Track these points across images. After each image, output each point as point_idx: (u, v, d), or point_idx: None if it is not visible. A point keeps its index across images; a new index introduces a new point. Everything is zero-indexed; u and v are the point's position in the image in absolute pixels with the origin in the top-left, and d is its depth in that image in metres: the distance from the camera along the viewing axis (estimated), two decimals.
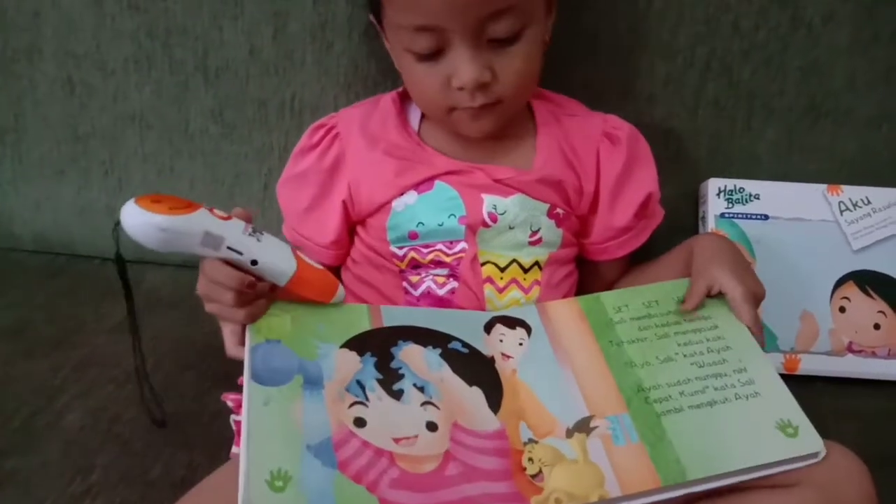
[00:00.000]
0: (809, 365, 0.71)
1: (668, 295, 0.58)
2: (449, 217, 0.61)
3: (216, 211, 0.50)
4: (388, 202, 0.63)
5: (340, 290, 0.55)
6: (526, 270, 0.62)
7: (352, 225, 0.66)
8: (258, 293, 0.51)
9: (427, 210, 0.62)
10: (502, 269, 0.61)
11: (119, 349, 0.69)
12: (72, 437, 0.60)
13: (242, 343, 0.51)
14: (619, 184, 0.64)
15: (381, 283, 0.63)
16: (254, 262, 0.50)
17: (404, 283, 0.62)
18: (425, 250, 0.62)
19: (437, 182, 0.62)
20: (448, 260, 0.61)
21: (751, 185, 0.75)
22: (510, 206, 0.61)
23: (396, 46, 0.59)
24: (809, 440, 0.48)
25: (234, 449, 0.56)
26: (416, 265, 0.62)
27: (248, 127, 0.78)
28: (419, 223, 0.62)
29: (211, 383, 0.65)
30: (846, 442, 0.50)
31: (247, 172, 0.80)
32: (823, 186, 0.74)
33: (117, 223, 0.49)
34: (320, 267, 0.54)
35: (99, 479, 0.57)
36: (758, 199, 0.74)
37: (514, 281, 0.61)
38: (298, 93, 0.77)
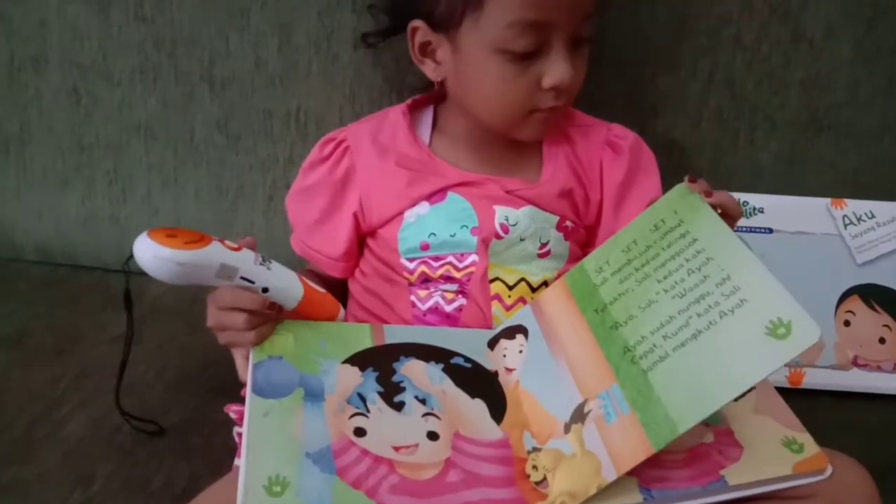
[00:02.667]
0: (814, 379, 0.71)
1: (643, 228, 0.55)
2: (461, 228, 0.61)
3: (227, 242, 0.52)
4: (401, 213, 0.63)
5: (342, 312, 0.57)
6: (534, 289, 0.62)
7: (362, 237, 0.66)
8: (272, 317, 0.53)
9: (439, 221, 0.62)
10: (511, 287, 0.61)
11: (119, 359, 0.69)
12: (72, 447, 0.60)
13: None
14: (621, 192, 0.64)
15: (389, 296, 0.63)
16: (265, 290, 0.52)
17: (412, 297, 0.62)
18: (436, 263, 0.62)
19: (450, 193, 0.62)
20: (458, 275, 0.61)
21: (755, 199, 0.75)
22: (521, 217, 0.61)
23: (481, 49, 0.58)
24: (804, 334, 0.44)
25: (236, 461, 0.56)
26: (425, 279, 0.62)
27: (253, 138, 0.79)
28: (431, 234, 0.62)
29: (213, 394, 0.65)
30: (851, 456, 0.50)
31: (251, 183, 0.80)
32: (827, 200, 0.75)
33: (130, 257, 0.50)
34: (323, 290, 0.56)
35: (100, 490, 0.56)
36: (762, 212, 0.74)
37: (521, 300, 0.61)
38: (304, 104, 0.77)
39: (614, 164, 0.65)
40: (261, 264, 0.52)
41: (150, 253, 0.50)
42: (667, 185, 0.72)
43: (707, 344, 0.46)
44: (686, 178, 0.55)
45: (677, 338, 0.48)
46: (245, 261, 0.52)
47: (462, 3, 0.57)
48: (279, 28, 0.75)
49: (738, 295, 0.47)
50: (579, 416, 0.48)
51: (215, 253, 0.50)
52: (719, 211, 0.53)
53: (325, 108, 0.77)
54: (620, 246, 0.56)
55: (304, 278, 0.55)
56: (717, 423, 0.50)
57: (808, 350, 0.44)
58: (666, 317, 0.49)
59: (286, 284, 0.54)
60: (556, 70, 0.57)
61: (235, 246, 0.52)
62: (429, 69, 0.62)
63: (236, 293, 0.52)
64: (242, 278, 0.51)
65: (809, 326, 0.44)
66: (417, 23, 0.60)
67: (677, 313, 0.49)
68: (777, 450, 0.48)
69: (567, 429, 0.48)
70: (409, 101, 0.67)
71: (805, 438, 0.49)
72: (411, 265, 0.62)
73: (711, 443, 0.49)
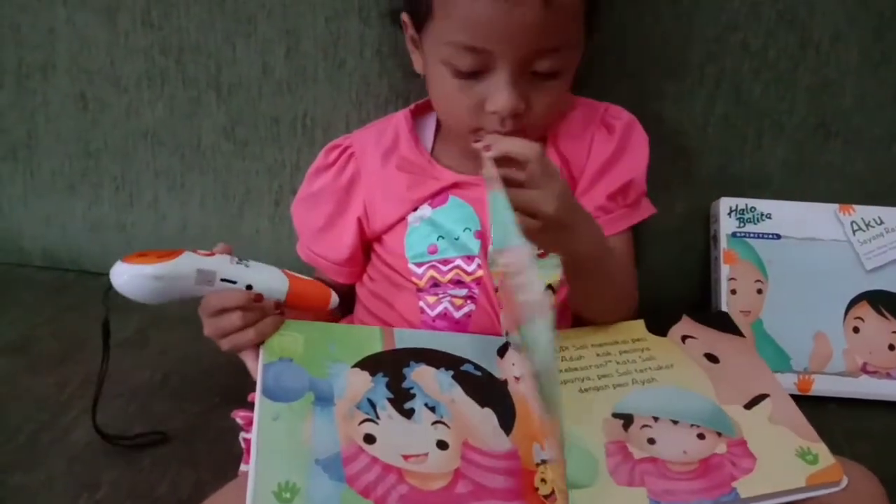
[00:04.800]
0: (823, 386, 0.70)
1: None
2: (465, 231, 0.61)
3: (200, 251, 0.53)
4: (403, 218, 0.63)
5: (334, 296, 0.57)
6: None
7: (366, 243, 0.66)
8: (264, 309, 0.53)
9: (443, 223, 0.62)
10: None
11: (125, 365, 0.69)
12: (77, 453, 0.60)
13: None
14: (603, 167, 0.64)
15: (397, 302, 0.63)
16: (249, 287, 0.53)
17: (421, 303, 0.62)
18: (444, 267, 0.62)
19: (450, 196, 0.62)
20: (467, 279, 0.61)
21: (762, 205, 0.74)
22: None
23: (433, 56, 0.59)
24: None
25: (242, 467, 0.56)
26: (435, 284, 0.62)
27: (259, 144, 0.79)
28: (439, 237, 0.62)
29: (218, 400, 0.65)
30: (860, 464, 0.50)
31: (258, 189, 0.80)
32: (835, 206, 0.74)
33: (109, 287, 0.51)
34: (310, 279, 0.57)
35: (105, 496, 0.56)
36: (769, 218, 0.74)
37: None
38: (310, 110, 0.77)
39: (604, 143, 0.64)
40: (238, 264, 0.53)
41: (126, 275, 0.51)
42: (673, 191, 0.72)
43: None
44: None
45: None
46: (221, 263, 0.53)
47: (424, 7, 0.58)
48: (286, 34, 0.75)
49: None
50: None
51: (189, 261, 0.51)
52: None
53: (331, 114, 0.77)
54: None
55: (288, 271, 0.55)
56: (730, 434, 0.50)
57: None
58: None
59: (269, 278, 0.54)
60: (496, 97, 0.56)
61: (209, 252, 0.53)
62: (416, 62, 0.63)
63: (221, 295, 0.52)
64: (223, 280, 0.52)
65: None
66: (405, 16, 0.61)
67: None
68: (791, 461, 0.48)
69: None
70: (412, 105, 0.67)
71: (820, 448, 0.48)
72: (419, 270, 0.62)
73: (724, 454, 0.49)
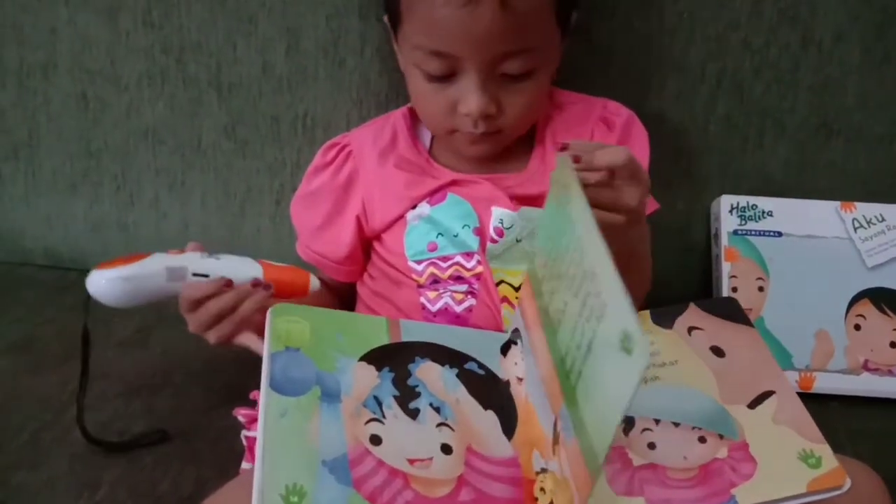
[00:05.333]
0: (824, 383, 0.70)
1: (551, 207, 0.50)
2: (463, 228, 0.61)
3: (171, 251, 0.55)
4: (402, 216, 0.63)
5: (314, 279, 0.58)
6: None
7: (365, 241, 0.66)
8: (239, 294, 0.54)
9: (442, 220, 0.62)
10: (517, 289, 0.61)
11: (127, 364, 0.69)
12: (79, 451, 0.60)
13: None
14: None
15: (398, 299, 0.63)
16: (228, 284, 0.54)
17: (421, 299, 0.62)
18: (444, 264, 0.62)
19: (449, 194, 0.63)
20: (467, 275, 0.61)
21: (763, 202, 0.74)
22: (517, 219, 0.61)
23: (406, 59, 0.60)
24: (641, 349, 0.35)
25: (244, 464, 0.56)
26: (435, 280, 0.62)
27: (260, 142, 0.79)
28: (438, 234, 0.62)
29: (220, 398, 0.64)
30: (862, 461, 0.50)
31: (258, 188, 0.80)
32: (837, 203, 0.74)
33: (88, 297, 0.55)
34: (286, 265, 0.58)
35: (106, 495, 0.56)
36: (771, 215, 0.74)
37: None
38: (311, 109, 0.77)
39: (604, 139, 0.64)
40: (209, 258, 0.55)
41: (101, 281, 0.54)
42: (673, 189, 0.72)
43: (596, 356, 0.40)
44: (559, 148, 0.50)
45: (581, 349, 0.42)
46: (191, 259, 0.55)
47: (395, 12, 0.59)
48: (286, 33, 0.75)
49: (601, 298, 0.40)
50: (556, 435, 0.46)
51: (158, 260, 0.54)
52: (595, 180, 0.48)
53: (332, 112, 0.77)
54: (544, 230, 0.51)
55: (263, 260, 0.57)
56: (732, 437, 0.49)
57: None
58: (572, 322, 0.43)
59: (240, 267, 0.56)
60: (467, 100, 0.56)
61: (179, 251, 0.55)
62: (400, 62, 0.63)
63: (190, 286, 0.54)
64: (195, 274, 0.54)
65: (643, 341, 0.35)
66: (385, 18, 0.62)
67: (577, 316, 0.43)
68: (793, 465, 0.47)
69: (553, 449, 0.46)
70: (410, 103, 0.67)
71: (823, 450, 0.47)
72: (419, 267, 0.62)
73: (724, 458, 0.48)
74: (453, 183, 0.63)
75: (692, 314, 0.59)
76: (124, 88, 0.79)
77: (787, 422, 0.50)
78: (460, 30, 0.53)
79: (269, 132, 0.78)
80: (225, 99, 0.78)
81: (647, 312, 0.59)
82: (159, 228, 0.83)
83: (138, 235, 0.83)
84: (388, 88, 0.75)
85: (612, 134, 0.64)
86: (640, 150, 0.65)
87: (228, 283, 0.54)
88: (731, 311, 0.60)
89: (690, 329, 0.58)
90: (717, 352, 0.56)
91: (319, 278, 0.68)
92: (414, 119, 0.67)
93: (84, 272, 0.84)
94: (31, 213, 0.85)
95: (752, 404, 0.52)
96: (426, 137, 0.66)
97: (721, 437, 0.49)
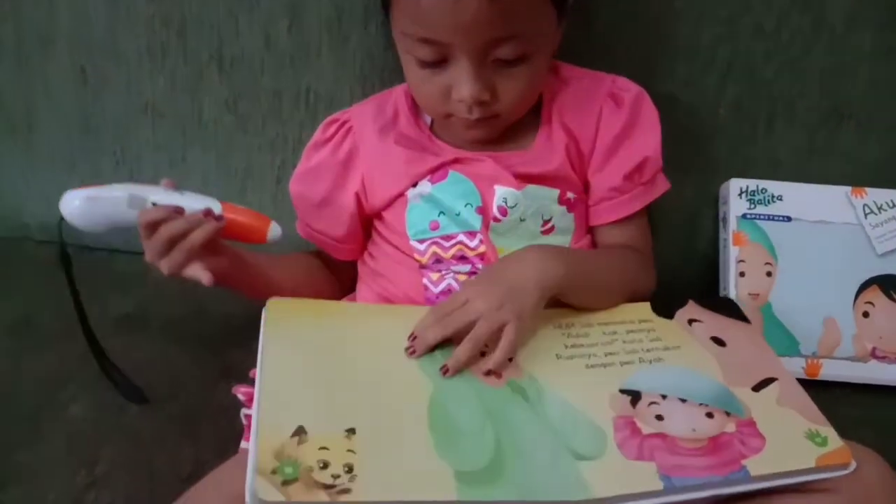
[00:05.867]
0: (831, 370, 0.69)
1: None
2: (466, 206, 0.61)
3: (143, 184, 0.58)
4: (402, 193, 0.62)
5: (274, 227, 0.58)
6: None
7: (365, 219, 0.65)
8: (190, 221, 0.55)
9: (444, 199, 0.61)
10: None
11: (126, 341, 0.68)
12: (77, 428, 0.59)
13: (213, 272, 0.55)
14: (615, 144, 0.63)
15: (400, 279, 0.62)
16: (179, 212, 0.56)
17: (424, 280, 0.61)
18: (447, 243, 0.61)
19: (450, 171, 0.62)
20: (470, 254, 0.60)
21: (773, 186, 0.73)
22: (521, 198, 0.60)
23: (400, 45, 0.59)
24: None
25: (243, 443, 0.55)
26: (438, 260, 0.61)
27: (261, 118, 0.77)
28: (440, 213, 0.61)
29: (218, 376, 0.64)
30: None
31: (260, 164, 0.79)
32: (847, 189, 0.73)
33: (61, 218, 0.57)
34: (248, 209, 0.58)
35: (104, 472, 0.55)
36: (780, 200, 0.73)
37: None
38: (313, 85, 0.76)
39: (613, 116, 0.63)
40: (174, 192, 0.56)
41: (70, 200, 0.56)
42: (682, 173, 0.71)
43: None
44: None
45: None
46: (155, 190, 0.56)
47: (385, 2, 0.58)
48: (289, 8, 0.74)
49: None
50: None
51: (123, 186, 0.56)
52: None
53: (334, 88, 0.75)
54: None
55: (226, 202, 0.57)
56: (739, 414, 0.49)
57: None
58: None
59: (200, 202, 0.56)
60: (460, 87, 0.55)
61: (152, 184, 0.57)
62: (397, 45, 0.62)
63: (146, 211, 0.55)
64: (154, 203, 0.56)
65: None
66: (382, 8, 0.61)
67: None
68: (800, 442, 0.47)
69: None
70: None
71: (828, 432, 0.48)
72: (422, 246, 0.61)
73: (733, 433, 0.48)
74: (455, 160, 0.62)
75: (691, 308, 0.60)
76: (124, 63, 0.77)
77: (791, 404, 0.51)
78: (447, 17, 0.52)
79: (271, 108, 0.77)
80: (226, 74, 0.76)
81: (647, 304, 0.60)
82: None
83: None
84: (391, 64, 0.73)
85: (621, 110, 0.63)
86: (651, 128, 0.64)
87: (179, 211, 0.55)
88: (730, 309, 0.61)
89: (691, 321, 0.59)
90: (718, 342, 0.57)
91: (318, 254, 0.67)
92: None
93: (81, 248, 0.84)
94: (30, 190, 0.83)
95: (756, 388, 0.52)
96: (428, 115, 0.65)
97: (728, 413, 0.49)
